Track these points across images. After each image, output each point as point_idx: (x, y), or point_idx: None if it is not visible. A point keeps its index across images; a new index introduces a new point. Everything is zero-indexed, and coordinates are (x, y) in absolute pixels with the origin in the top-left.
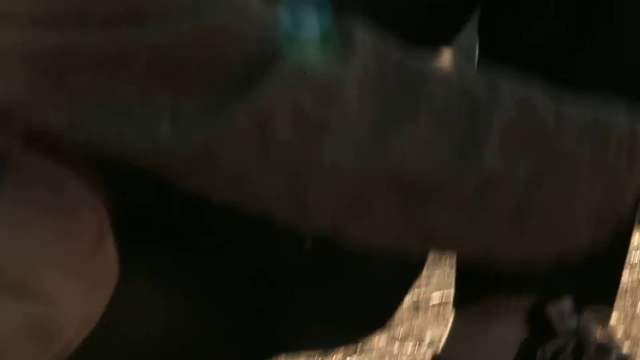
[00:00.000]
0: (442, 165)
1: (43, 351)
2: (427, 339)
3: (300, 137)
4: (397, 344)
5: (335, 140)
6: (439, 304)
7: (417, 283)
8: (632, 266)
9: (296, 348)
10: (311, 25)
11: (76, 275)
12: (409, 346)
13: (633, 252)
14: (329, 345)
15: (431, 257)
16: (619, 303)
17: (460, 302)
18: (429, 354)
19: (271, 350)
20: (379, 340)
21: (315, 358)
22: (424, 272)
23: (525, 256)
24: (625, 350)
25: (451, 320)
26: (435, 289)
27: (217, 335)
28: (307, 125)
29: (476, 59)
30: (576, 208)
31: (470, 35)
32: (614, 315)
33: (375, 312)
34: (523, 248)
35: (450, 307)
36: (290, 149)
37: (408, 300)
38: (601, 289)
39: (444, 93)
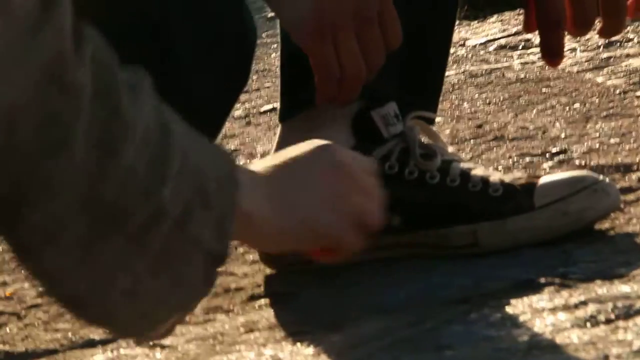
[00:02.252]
0: (135, 193)
1: None
2: (259, 153)
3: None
4: None
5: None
6: (269, 118)
7: (247, 97)
8: (459, 62)
9: None
10: None
11: None
12: (241, 160)
13: (459, 48)
14: None
15: (257, 69)
16: (445, 103)
17: (286, 113)
18: None
19: None
20: None
21: None
22: (254, 86)
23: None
24: (451, 149)
25: (278, 132)
26: (265, 102)
27: None
28: (51, 130)
29: None
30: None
31: None
32: (440, 115)
33: (202, 131)
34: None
35: None
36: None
37: (238, 114)
38: (423, 93)
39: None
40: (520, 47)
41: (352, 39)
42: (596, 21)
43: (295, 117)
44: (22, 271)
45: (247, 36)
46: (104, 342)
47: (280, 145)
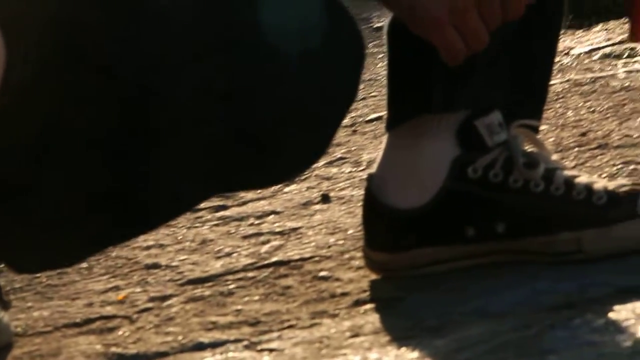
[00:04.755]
0: None
1: None
2: (365, 161)
3: None
4: (335, 167)
5: None
6: (375, 126)
7: (353, 106)
8: (564, 71)
9: (241, 186)
10: None
11: None
12: (347, 168)
13: (564, 56)
14: (273, 181)
15: (364, 79)
16: (549, 111)
17: (393, 122)
18: (366, 176)
19: (219, 187)
20: (317, 164)
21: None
22: (360, 95)
23: None
24: (555, 157)
25: (384, 140)
26: (371, 111)
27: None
28: None
29: None
30: None
31: None
32: (545, 124)
33: (314, 142)
34: None
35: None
36: None
37: (345, 123)
38: (528, 102)
39: None
40: (625, 55)
41: (475, 17)
42: None
43: (401, 126)
44: (134, 276)
45: (355, 50)
46: (213, 345)
47: (387, 154)
